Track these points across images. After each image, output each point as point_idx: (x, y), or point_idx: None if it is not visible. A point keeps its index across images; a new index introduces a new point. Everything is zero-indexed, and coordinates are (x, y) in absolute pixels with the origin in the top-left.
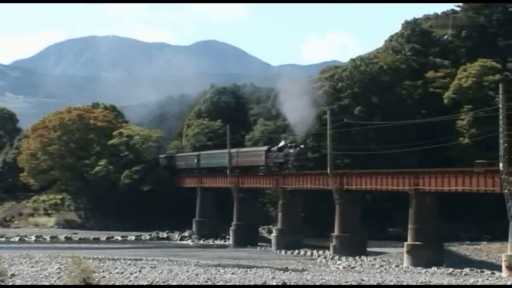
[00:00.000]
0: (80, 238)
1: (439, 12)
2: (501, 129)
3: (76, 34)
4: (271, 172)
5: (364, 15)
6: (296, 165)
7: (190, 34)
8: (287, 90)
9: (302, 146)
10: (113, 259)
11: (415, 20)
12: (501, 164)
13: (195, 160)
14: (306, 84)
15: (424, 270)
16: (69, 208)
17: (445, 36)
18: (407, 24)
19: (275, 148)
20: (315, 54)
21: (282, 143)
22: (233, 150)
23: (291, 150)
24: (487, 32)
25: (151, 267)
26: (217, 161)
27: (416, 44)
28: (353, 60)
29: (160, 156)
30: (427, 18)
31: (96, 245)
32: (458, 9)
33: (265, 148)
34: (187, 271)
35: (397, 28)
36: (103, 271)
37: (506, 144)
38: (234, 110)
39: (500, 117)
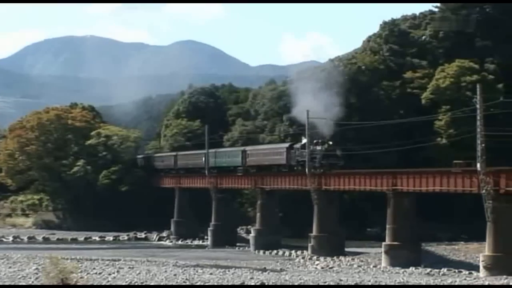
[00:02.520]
0: (58, 239)
1: (417, 12)
2: (478, 130)
3: (54, 34)
4: (285, 171)
5: (343, 15)
6: (324, 163)
7: (167, 34)
8: (305, 80)
9: (330, 142)
10: (91, 260)
11: (393, 20)
12: (478, 164)
13: (203, 159)
14: (326, 72)
15: (402, 270)
16: (47, 209)
17: (423, 37)
18: (385, 25)
19: (298, 146)
20: (293, 54)
21: (304, 141)
22: (248, 148)
23: (318, 147)
24: (465, 33)
25: (129, 267)
26: (230, 160)
27: (394, 45)
28: (331, 60)
29: (138, 156)
30: (405, 18)
31: (74, 246)
32: (436, 9)
33: (286, 145)
34: (165, 271)
35: (375, 28)
36: (81, 271)
37: (483, 145)
38: (213, 110)
39: (478, 117)
